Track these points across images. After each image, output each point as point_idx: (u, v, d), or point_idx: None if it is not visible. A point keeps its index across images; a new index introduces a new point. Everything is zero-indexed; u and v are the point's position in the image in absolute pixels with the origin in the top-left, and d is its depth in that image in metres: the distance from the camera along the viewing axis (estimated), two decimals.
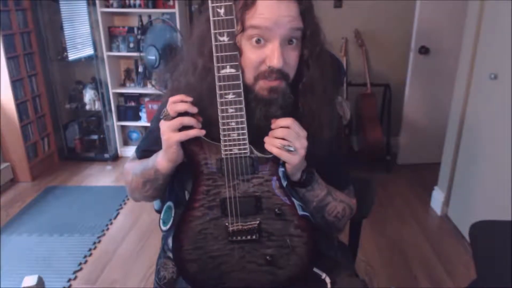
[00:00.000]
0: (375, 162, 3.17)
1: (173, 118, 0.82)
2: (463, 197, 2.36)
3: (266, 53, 0.82)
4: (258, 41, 0.81)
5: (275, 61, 0.80)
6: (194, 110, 0.82)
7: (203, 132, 0.83)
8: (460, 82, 2.34)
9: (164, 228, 0.98)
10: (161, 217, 1.00)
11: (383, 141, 3.17)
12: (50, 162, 3.37)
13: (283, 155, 0.82)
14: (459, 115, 2.35)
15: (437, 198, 2.62)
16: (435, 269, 2.09)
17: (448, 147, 2.50)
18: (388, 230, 2.44)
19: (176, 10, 3.08)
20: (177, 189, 0.99)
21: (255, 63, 0.82)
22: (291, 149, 0.82)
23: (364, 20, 3.24)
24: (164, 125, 0.83)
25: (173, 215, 0.97)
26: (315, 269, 0.96)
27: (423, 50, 2.94)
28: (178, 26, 3.06)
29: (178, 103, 0.82)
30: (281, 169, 0.87)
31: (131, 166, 1.03)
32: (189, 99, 0.82)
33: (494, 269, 1.05)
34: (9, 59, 2.87)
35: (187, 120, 0.82)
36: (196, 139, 0.84)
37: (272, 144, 0.83)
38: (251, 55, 0.82)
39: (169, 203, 1.00)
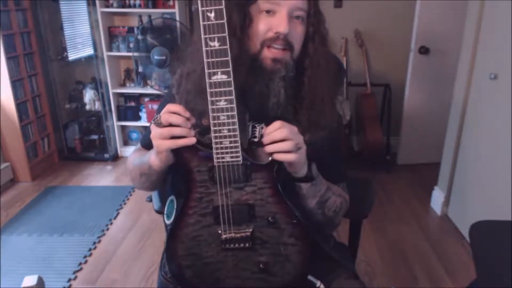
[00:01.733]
0: (375, 162, 3.17)
1: (165, 126, 0.81)
2: (463, 197, 2.36)
3: (274, 22, 0.86)
4: (267, 12, 0.86)
5: (282, 27, 0.84)
6: (188, 125, 0.81)
7: (194, 140, 0.81)
8: (460, 82, 2.34)
9: (168, 222, 0.98)
10: (165, 211, 1.01)
11: (383, 141, 3.17)
12: (50, 162, 3.37)
13: (294, 157, 0.81)
14: (459, 115, 2.35)
15: (437, 198, 2.62)
16: (435, 269, 2.09)
17: (448, 147, 2.50)
18: (388, 230, 2.44)
19: (176, 10, 3.08)
20: (177, 180, 0.99)
21: (262, 31, 0.87)
22: (299, 146, 0.81)
23: (364, 20, 3.24)
24: (154, 131, 0.83)
25: (175, 206, 0.98)
26: (310, 277, 0.96)
27: (423, 50, 2.94)
28: (177, 26, 3.05)
29: (172, 115, 0.81)
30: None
31: (133, 156, 1.05)
32: (187, 114, 0.81)
33: (494, 269, 1.05)
34: (9, 59, 2.87)
35: (178, 131, 0.81)
36: (188, 146, 0.82)
37: (278, 149, 0.81)
38: (260, 24, 0.87)
39: (171, 197, 1.01)
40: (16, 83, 2.95)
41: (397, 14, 3.19)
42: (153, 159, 0.89)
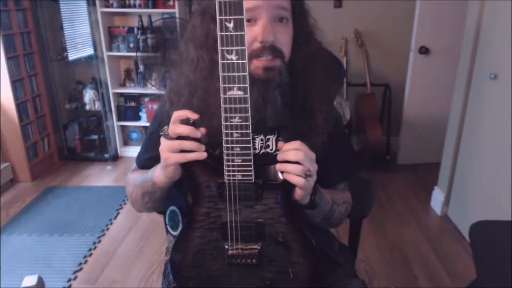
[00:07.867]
0: (375, 162, 3.17)
1: (173, 137, 0.78)
2: (463, 197, 2.36)
3: (256, 31, 0.80)
4: (248, 21, 0.80)
5: (267, 36, 0.79)
6: (197, 135, 0.77)
7: (204, 155, 0.77)
8: (460, 82, 2.34)
9: (174, 233, 0.97)
10: (167, 222, 0.99)
11: (383, 141, 3.17)
12: (50, 162, 3.37)
13: (302, 183, 0.76)
14: (459, 115, 2.35)
15: (437, 198, 2.62)
16: (435, 269, 2.09)
17: (448, 147, 2.50)
18: (388, 230, 2.43)
19: (176, 10, 3.08)
20: (179, 194, 0.97)
21: (247, 43, 0.79)
22: (309, 174, 0.75)
23: (364, 20, 3.24)
24: (163, 143, 0.79)
25: (180, 219, 0.96)
26: None
27: (423, 50, 2.94)
28: (178, 26, 3.05)
29: (179, 125, 0.76)
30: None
31: (132, 177, 1.00)
32: (195, 116, 0.76)
33: (494, 269, 1.05)
34: (9, 59, 2.87)
35: (187, 145, 0.76)
36: (197, 160, 0.78)
37: (288, 171, 0.76)
38: None
39: (173, 207, 0.99)
40: (16, 83, 2.95)
41: (397, 14, 3.19)
42: (158, 174, 0.85)
